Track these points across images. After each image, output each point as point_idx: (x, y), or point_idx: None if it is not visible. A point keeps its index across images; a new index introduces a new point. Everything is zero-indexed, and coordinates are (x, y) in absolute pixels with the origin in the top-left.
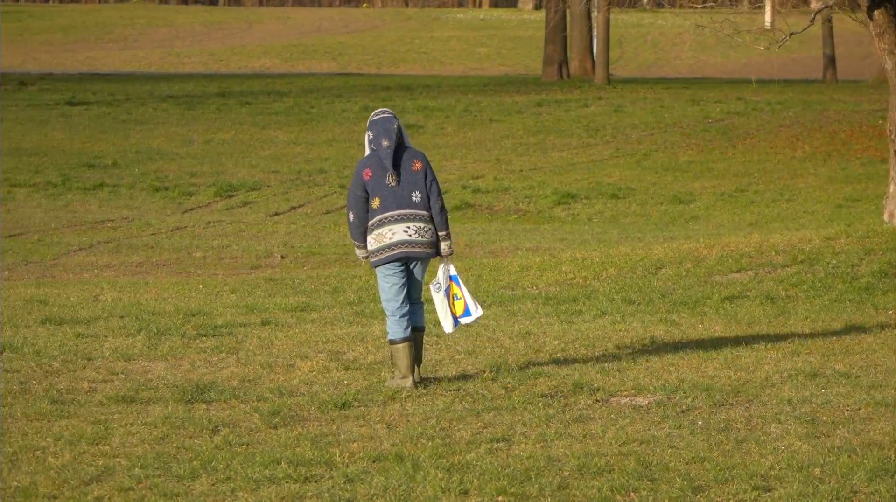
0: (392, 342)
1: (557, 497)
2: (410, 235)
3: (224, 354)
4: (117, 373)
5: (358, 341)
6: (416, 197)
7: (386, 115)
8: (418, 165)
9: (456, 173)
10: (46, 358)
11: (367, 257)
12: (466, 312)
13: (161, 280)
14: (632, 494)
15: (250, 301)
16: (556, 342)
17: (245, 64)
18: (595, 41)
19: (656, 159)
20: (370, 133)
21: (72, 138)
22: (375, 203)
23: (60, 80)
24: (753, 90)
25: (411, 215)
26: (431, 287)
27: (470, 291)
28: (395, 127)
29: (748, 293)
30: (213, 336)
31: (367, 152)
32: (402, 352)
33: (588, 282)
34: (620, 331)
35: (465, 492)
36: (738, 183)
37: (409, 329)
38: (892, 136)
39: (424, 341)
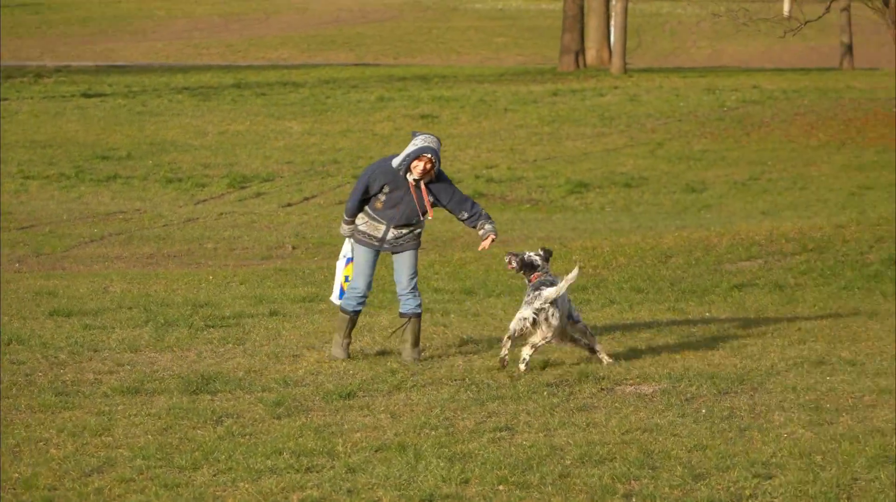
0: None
1: (559, 485)
2: None
3: (231, 345)
4: (123, 365)
5: (365, 331)
6: None
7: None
8: None
9: (469, 163)
10: (53, 349)
11: None
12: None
13: (171, 271)
14: (633, 482)
15: (259, 292)
16: None
17: (263, 55)
18: (612, 31)
19: (670, 148)
20: None
21: (86, 130)
22: None
23: (77, 72)
24: (769, 78)
25: None
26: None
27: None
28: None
29: (757, 281)
30: (221, 327)
31: None
32: None
33: (598, 271)
34: (628, 319)
35: (467, 481)
36: (752, 171)
37: None
38: None
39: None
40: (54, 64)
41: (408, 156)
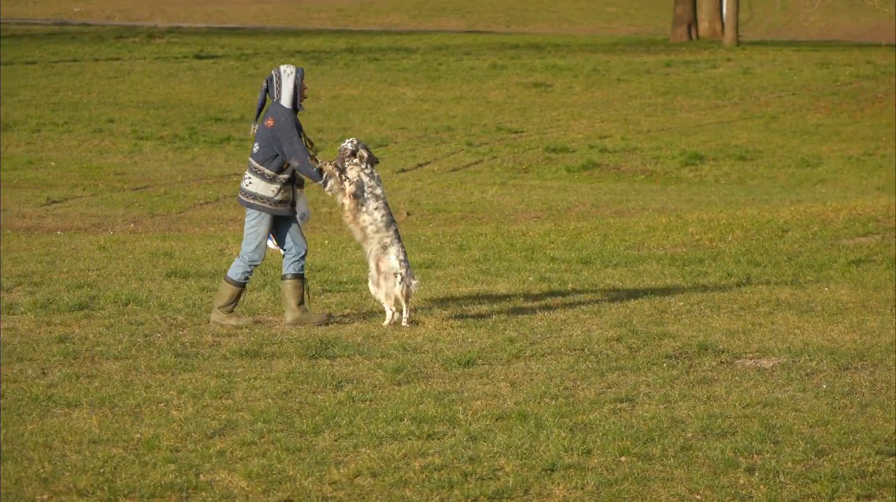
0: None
1: (680, 458)
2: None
3: (348, 310)
4: (241, 328)
5: (483, 299)
6: (255, 148)
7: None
8: (269, 122)
9: (583, 132)
10: (171, 311)
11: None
12: None
13: None
14: (755, 456)
15: None
16: (682, 303)
17: (373, 20)
18: (724, 2)
19: (784, 122)
20: None
21: (199, 92)
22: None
23: (188, 33)
24: (883, 54)
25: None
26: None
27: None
28: (271, 77)
29: (875, 257)
30: (338, 292)
31: None
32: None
33: (714, 243)
34: (746, 293)
35: (588, 452)
36: (867, 146)
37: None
38: None
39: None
40: (165, 24)
41: (296, 87)
